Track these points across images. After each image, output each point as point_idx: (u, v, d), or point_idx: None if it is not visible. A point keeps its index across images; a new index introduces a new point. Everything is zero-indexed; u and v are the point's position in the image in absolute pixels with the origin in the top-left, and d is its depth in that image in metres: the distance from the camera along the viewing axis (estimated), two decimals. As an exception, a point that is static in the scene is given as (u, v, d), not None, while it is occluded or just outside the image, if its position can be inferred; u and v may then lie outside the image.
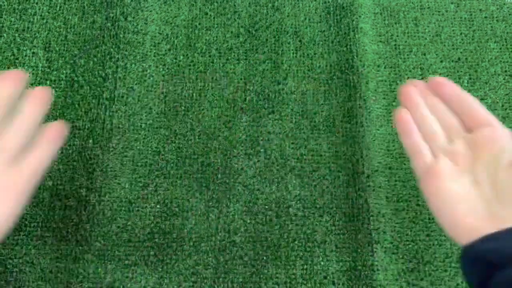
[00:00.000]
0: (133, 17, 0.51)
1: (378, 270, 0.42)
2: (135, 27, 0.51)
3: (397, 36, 0.53)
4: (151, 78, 0.49)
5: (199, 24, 0.52)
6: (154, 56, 0.50)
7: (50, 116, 0.47)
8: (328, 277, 0.42)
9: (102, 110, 0.48)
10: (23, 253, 0.43)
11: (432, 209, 0.29)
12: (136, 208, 0.44)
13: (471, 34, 0.53)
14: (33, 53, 0.49)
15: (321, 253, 0.43)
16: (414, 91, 0.32)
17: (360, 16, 0.53)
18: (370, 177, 0.46)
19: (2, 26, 0.50)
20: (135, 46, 0.50)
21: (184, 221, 0.44)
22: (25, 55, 0.49)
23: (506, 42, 0.53)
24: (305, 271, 0.42)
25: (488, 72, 0.51)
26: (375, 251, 0.43)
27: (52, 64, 0.49)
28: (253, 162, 0.46)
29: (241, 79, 0.49)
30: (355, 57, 0.50)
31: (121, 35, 0.50)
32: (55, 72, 0.49)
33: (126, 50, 0.50)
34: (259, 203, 0.45)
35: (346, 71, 0.50)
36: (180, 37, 0.51)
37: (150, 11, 0.52)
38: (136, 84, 0.49)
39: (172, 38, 0.51)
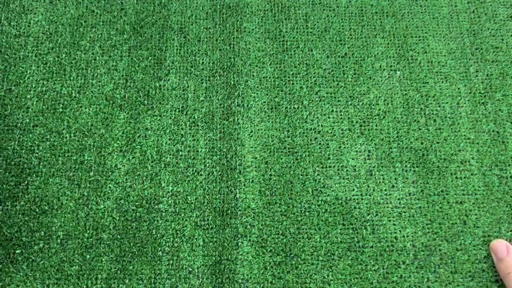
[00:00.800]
0: (17, 22, 0.51)
1: (242, 263, 0.43)
2: (18, 30, 0.51)
3: (286, 32, 0.53)
4: (31, 78, 0.49)
5: (85, 22, 0.52)
6: (36, 56, 0.50)
7: None
8: (193, 272, 0.43)
9: (-21, 109, 0.47)
10: None
11: None
12: (6, 207, 0.44)
13: (360, 29, 0.54)
14: None
15: (188, 248, 0.43)
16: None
17: (245, 16, 0.53)
18: (242, 173, 0.46)
19: None
20: (16, 49, 0.50)
21: (53, 219, 0.44)
22: None
23: (393, 37, 0.54)
24: (170, 266, 0.43)
25: (373, 67, 0.52)
26: (240, 245, 0.43)
27: None
28: (128, 159, 0.46)
29: (122, 75, 0.50)
30: (236, 56, 0.51)
31: (3, 40, 0.50)
32: None
33: (6, 54, 0.50)
34: (130, 200, 0.45)
35: (228, 69, 0.50)
36: (64, 36, 0.51)
37: (35, 13, 0.52)
38: (14, 85, 0.49)
39: (56, 36, 0.51)
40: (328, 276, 0.43)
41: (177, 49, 0.51)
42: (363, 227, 0.45)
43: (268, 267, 0.43)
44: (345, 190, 0.46)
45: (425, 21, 0.54)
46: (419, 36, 0.53)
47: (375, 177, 0.47)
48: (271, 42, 0.53)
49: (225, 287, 0.42)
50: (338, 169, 0.47)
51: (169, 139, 0.47)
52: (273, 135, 0.48)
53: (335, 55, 0.52)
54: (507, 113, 0.50)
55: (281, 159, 0.47)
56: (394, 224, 0.45)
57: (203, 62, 0.51)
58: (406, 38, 0.53)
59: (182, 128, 0.48)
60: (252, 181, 0.46)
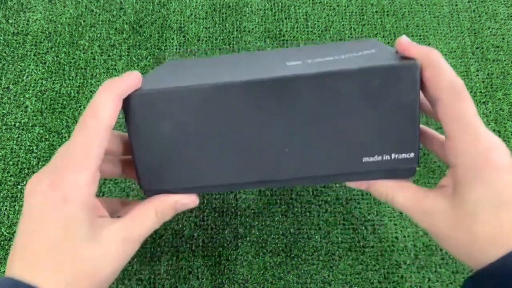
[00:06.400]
0: (15, 19, 0.51)
1: (242, 263, 0.42)
2: (16, 28, 0.51)
3: (286, 31, 0.53)
4: (29, 77, 0.49)
5: (84, 21, 0.52)
6: (34, 55, 0.50)
7: None
8: (193, 272, 0.42)
9: (-23, 109, 0.47)
10: None
11: None
12: (4, 207, 0.44)
13: (360, 28, 0.54)
14: None
15: (188, 249, 0.43)
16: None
17: (245, 15, 0.53)
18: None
19: None
20: (15, 47, 0.50)
21: (52, 219, 0.44)
22: None
23: (394, 36, 0.53)
24: (170, 266, 0.42)
25: (373, 66, 0.52)
26: (240, 245, 0.43)
27: None
28: (126, 159, 0.46)
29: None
30: (236, 53, 0.51)
31: (1, 37, 0.50)
32: None
33: (4, 52, 0.50)
34: (129, 200, 0.45)
35: (227, 66, 0.50)
36: (63, 35, 0.51)
37: (33, 11, 0.52)
38: (12, 84, 0.48)
39: (55, 36, 0.51)
40: (328, 276, 0.43)
41: (176, 49, 0.51)
42: (363, 227, 0.44)
43: (269, 268, 0.43)
44: (346, 190, 0.46)
45: (425, 20, 0.54)
46: (420, 35, 0.53)
47: (376, 177, 0.46)
48: (270, 42, 0.52)
49: (225, 288, 0.42)
50: (338, 169, 0.47)
51: (169, 139, 0.47)
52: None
53: (335, 54, 0.52)
54: (508, 113, 0.50)
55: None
56: (395, 224, 0.44)
57: (202, 62, 0.51)
58: (407, 37, 0.53)
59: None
60: (252, 181, 0.46)
